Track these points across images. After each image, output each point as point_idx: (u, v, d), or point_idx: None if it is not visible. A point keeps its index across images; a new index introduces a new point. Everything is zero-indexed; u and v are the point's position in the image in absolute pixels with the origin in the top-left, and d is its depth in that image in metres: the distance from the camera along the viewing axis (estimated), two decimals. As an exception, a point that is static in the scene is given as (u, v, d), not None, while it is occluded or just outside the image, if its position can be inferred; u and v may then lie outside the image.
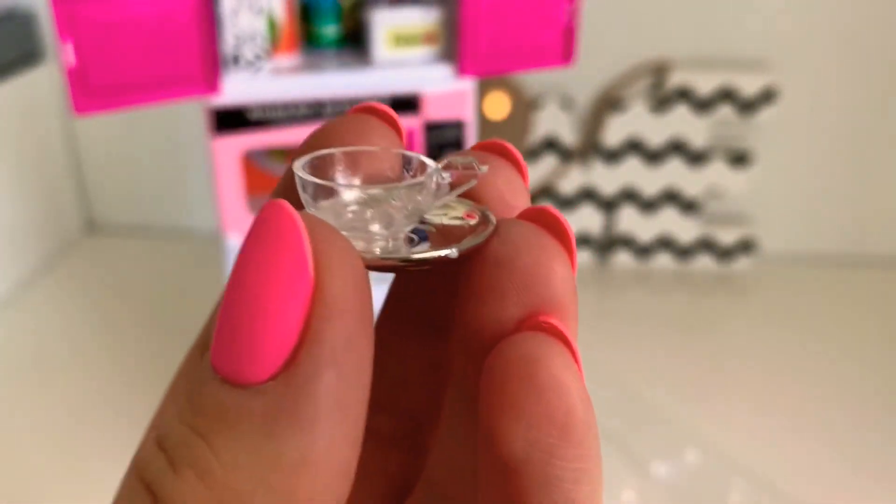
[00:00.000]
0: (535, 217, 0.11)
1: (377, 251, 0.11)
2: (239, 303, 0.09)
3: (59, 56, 0.39)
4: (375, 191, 0.11)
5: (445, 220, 0.12)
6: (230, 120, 0.43)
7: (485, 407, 0.10)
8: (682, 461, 0.50)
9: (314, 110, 0.44)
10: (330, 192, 0.11)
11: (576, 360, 0.10)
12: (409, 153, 0.12)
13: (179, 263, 0.80)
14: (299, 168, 0.11)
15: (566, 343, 0.10)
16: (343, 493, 0.09)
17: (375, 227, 0.11)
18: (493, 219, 0.11)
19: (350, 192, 0.11)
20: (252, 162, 0.49)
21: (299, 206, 0.11)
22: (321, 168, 0.12)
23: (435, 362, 0.13)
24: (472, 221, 0.12)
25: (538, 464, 0.09)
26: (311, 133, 0.13)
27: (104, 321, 0.72)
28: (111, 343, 0.69)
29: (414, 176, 0.12)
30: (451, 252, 0.10)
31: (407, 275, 0.13)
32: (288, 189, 0.12)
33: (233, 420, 0.09)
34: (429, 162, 0.12)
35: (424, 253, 0.11)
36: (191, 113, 0.72)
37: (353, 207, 0.11)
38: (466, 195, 0.12)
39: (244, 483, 0.08)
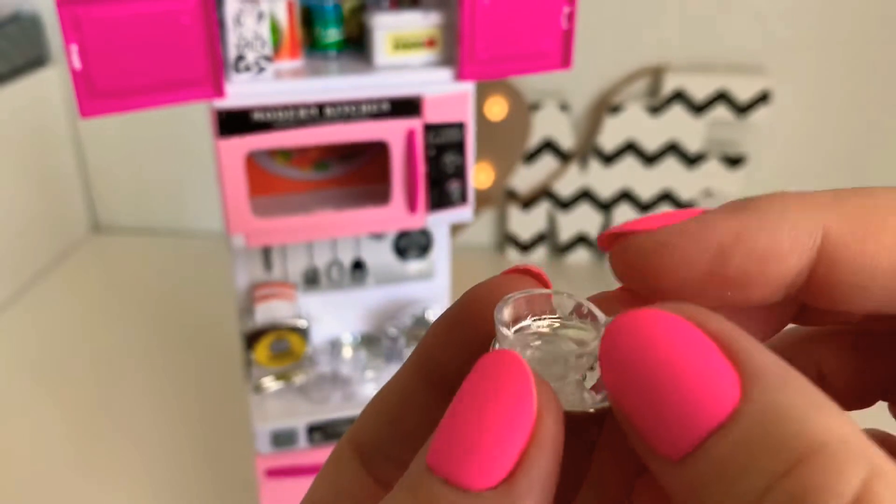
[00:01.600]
0: None
1: (565, 405, 0.13)
2: (470, 424, 0.11)
3: (65, 59, 0.40)
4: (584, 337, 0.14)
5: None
6: (235, 122, 0.44)
7: None
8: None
9: (316, 113, 0.45)
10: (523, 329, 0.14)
11: None
12: (580, 300, 0.14)
13: (184, 264, 0.80)
14: (503, 310, 0.14)
15: None
16: None
17: (555, 371, 0.13)
18: None
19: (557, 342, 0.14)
20: (256, 163, 0.50)
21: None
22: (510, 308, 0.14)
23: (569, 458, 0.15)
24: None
25: None
26: (476, 288, 0.15)
27: (110, 320, 0.72)
28: (116, 341, 0.69)
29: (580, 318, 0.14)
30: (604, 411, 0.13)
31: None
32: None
33: None
34: (598, 313, 0.14)
35: (599, 405, 0.13)
36: (195, 116, 0.73)
37: (537, 343, 0.14)
38: None
39: None
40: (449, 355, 0.15)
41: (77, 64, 0.40)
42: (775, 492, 0.10)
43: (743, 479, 0.10)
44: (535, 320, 0.14)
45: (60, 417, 0.61)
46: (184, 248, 0.83)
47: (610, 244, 0.14)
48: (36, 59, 0.75)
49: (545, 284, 0.15)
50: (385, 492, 0.15)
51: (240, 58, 0.44)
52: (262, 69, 0.45)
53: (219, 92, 0.43)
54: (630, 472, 0.14)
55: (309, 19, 0.48)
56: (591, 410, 0.13)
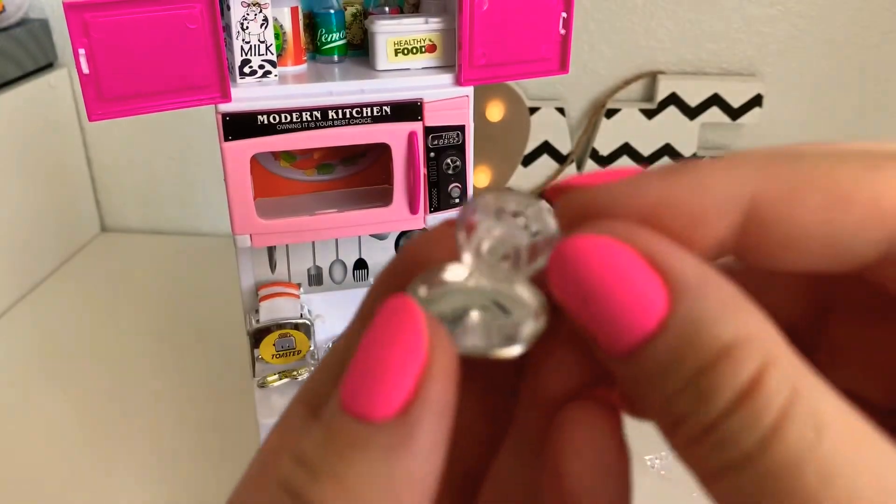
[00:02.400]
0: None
1: (468, 344, 0.14)
2: (372, 363, 0.13)
3: (72, 62, 0.40)
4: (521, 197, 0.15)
5: (517, 307, 0.15)
6: (240, 125, 0.45)
7: (554, 449, 0.14)
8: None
9: (320, 117, 0.46)
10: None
11: (619, 420, 0.14)
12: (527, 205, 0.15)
13: (190, 265, 0.81)
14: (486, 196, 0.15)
15: (613, 408, 0.14)
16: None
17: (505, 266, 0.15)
18: (545, 308, 0.15)
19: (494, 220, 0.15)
20: (261, 166, 0.51)
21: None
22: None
23: (486, 411, 0.16)
24: (534, 304, 0.15)
25: (589, 493, 0.14)
26: (413, 240, 0.16)
27: (117, 318, 0.73)
28: (124, 338, 0.70)
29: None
30: (513, 350, 0.14)
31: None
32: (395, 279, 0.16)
33: (361, 445, 0.12)
34: (550, 222, 0.15)
35: (497, 350, 0.14)
36: (201, 119, 0.74)
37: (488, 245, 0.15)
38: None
39: (369, 491, 0.12)
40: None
41: (85, 68, 0.40)
42: (688, 391, 0.12)
43: (667, 380, 0.12)
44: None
45: (69, 414, 0.62)
46: (190, 248, 0.84)
47: (555, 195, 0.15)
48: (44, 62, 0.76)
49: None
50: None
51: (245, 63, 0.45)
52: (266, 74, 0.46)
53: (226, 96, 0.44)
54: (548, 413, 0.15)
55: (313, 25, 0.49)
56: (492, 354, 0.14)
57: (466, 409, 0.15)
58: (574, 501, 0.14)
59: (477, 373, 0.16)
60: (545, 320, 0.14)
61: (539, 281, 0.15)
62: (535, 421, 0.15)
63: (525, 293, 0.15)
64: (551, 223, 0.15)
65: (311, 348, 0.52)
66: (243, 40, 0.45)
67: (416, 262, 0.16)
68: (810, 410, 0.11)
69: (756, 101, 0.76)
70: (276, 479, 0.13)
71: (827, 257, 0.13)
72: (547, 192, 0.16)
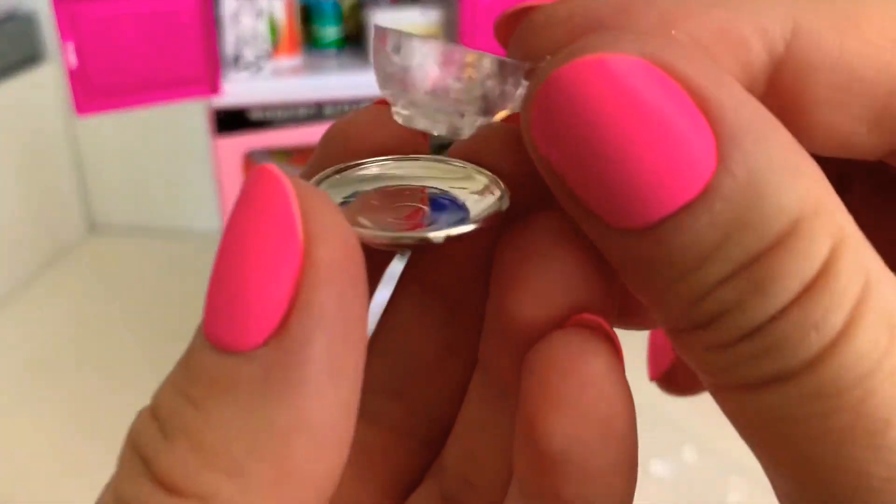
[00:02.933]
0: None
1: (377, 231, 0.10)
2: (228, 270, 0.09)
3: (60, 57, 0.39)
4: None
5: (465, 194, 0.11)
6: (231, 121, 0.44)
7: (526, 400, 0.10)
8: (681, 460, 0.50)
9: (315, 111, 0.45)
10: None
11: (619, 357, 0.10)
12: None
13: (180, 264, 0.80)
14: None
15: (611, 340, 0.10)
16: (338, 461, 0.09)
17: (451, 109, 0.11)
18: (506, 197, 0.11)
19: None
20: (254, 162, 0.50)
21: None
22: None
23: (450, 345, 0.12)
24: (491, 197, 0.11)
25: (578, 459, 0.10)
26: (331, 129, 0.12)
27: (105, 321, 0.72)
28: (112, 343, 0.69)
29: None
30: (436, 236, 0.10)
31: (416, 252, 0.12)
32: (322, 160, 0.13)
33: (224, 386, 0.09)
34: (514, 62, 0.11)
35: (411, 233, 0.10)
36: (192, 114, 0.73)
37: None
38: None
39: (236, 449, 0.08)
40: None
41: (73, 62, 0.39)
42: (738, 278, 0.08)
43: (706, 266, 0.09)
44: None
45: (56, 421, 0.61)
46: (182, 248, 0.83)
47: (508, 29, 0.11)
48: (31, 58, 0.75)
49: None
50: (375, 428, 0.13)
51: (238, 56, 0.44)
52: (260, 67, 0.44)
53: (215, 90, 0.42)
54: (520, 349, 0.11)
55: (307, 16, 0.48)
56: (409, 240, 0.10)
57: (425, 341, 0.12)
58: (555, 469, 0.10)
59: (431, 289, 0.12)
60: (500, 198, 0.10)
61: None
62: (504, 357, 0.11)
63: (473, 171, 0.11)
64: (513, 65, 0.10)
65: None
66: (236, 32, 0.44)
67: (335, 154, 0.12)
68: (883, 307, 0.08)
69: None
70: (129, 441, 0.09)
71: (878, 123, 0.10)
72: (496, 31, 0.11)
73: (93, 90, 0.41)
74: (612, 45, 0.09)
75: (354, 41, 0.50)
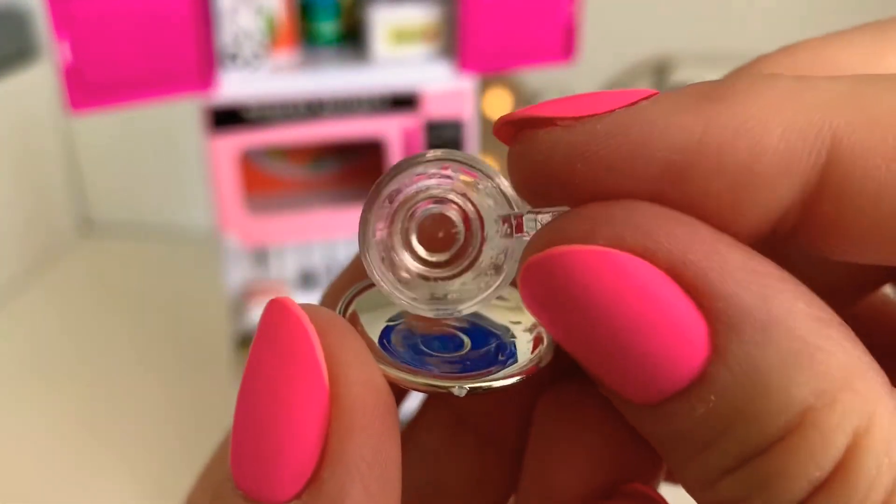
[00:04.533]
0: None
1: (407, 376, 0.09)
2: (252, 418, 0.08)
3: (54, 54, 0.39)
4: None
5: (516, 330, 0.11)
6: (227, 118, 0.43)
7: None
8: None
9: (313, 109, 0.44)
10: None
11: None
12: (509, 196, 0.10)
13: (175, 263, 0.79)
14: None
15: None
16: None
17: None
18: (551, 346, 0.10)
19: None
20: (250, 161, 0.49)
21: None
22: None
23: (480, 479, 0.12)
24: (537, 349, 0.10)
25: None
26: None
27: (99, 320, 0.72)
28: (106, 342, 0.69)
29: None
30: (458, 391, 0.09)
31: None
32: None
33: None
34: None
35: (443, 382, 0.10)
36: (188, 110, 0.72)
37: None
38: None
39: None
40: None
41: (67, 59, 0.39)
42: (744, 471, 0.08)
43: (709, 454, 0.08)
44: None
45: (48, 425, 0.60)
46: (177, 247, 0.82)
47: (512, 134, 0.10)
48: (24, 55, 0.74)
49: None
50: None
51: (234, 52, 0.43)
52: (257, 64, 0.44)
53: (209, 86, 0.42)
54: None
55: (305, 11, 0.47)
56: (447, 389, 0.09)
57: (455, 472, 0.11)
58: None
59: (465, 417, 0.11)
60: (545, 346, 0.10)
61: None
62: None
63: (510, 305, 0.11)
64: (516, 201, 0.10)
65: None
66: (232, 28, 0.43)
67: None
68: None
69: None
70: None
71: None
72: (496, 129, 0.10)
73: (87, 87, 0.40)
74: (589, 234, 0.08)
75: (352, 37, 0.49)
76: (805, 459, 0.07)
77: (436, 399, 0.12)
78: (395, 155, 0.46)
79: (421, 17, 0.45)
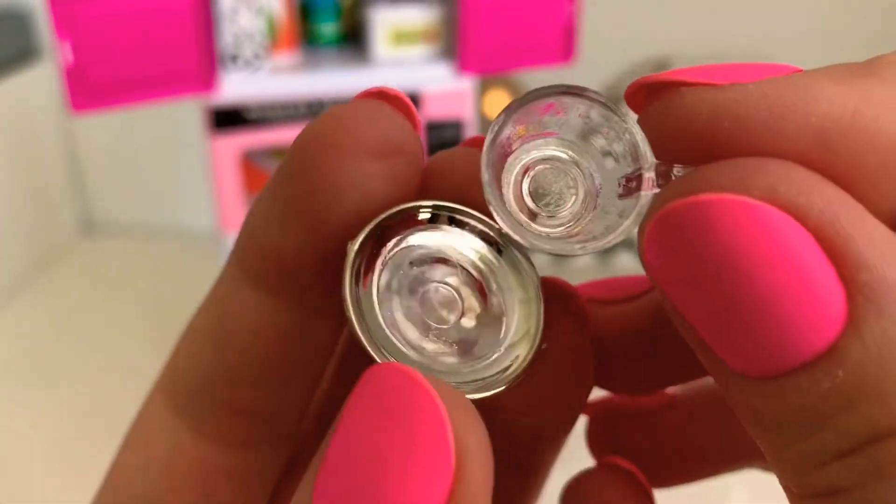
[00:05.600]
0: None
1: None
2: (358, 483, 0.08)
3: (56, 55, 0.39)
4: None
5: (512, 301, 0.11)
6: (228, 119, 0.43)
7: None
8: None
9: (313, 109, 0.44)
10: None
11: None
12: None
13: (176, 263, 0.79)
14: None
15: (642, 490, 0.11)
16: None
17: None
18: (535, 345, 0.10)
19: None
20: (251, 161, 0.49)
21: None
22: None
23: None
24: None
25: None
26: (317, 120, 0.10)
27: (99, 322, 0.72)
28: (106, 342, 0.69)
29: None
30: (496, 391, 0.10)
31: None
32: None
33: None
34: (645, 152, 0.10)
35: (487, 391, 0.10)
36: (189, 111, 0.72)
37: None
38: None
39: None
40: (277, 231, 0.10)
41: (68, 60, 0.39)
42: (859, 456, 0.07)
43: (824, 433, 0.08)
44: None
45: (48, 425, 0.60)
46: (178, 247, 0.82)
47: (645, 97, 0.09)
48: (26, 56, 0.74)
49: (408, 110, 0.11)
50: (218, 447, 0.12)
51: (235, 53, 0.43)
52: (258, 65, 0.44)
53: (210, 87, 0.42)
54: None
55: (306, 13, 0.48)
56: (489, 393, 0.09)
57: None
58: None
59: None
60: (531, 349, 0.10)
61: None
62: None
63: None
64: (647, 154, 0.09)
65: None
66: (233, 29, 0.43)
67: (334, 167, 0.10)
68: None
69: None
70: None
71: None
72: (628, 97, 0.10)
73: (88, 88, 0.40)
74: (739, 184, 0.08)
75: (353, 38, 0.49)
76: None
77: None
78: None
79: (421, 18, 0.45)
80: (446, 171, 0.11)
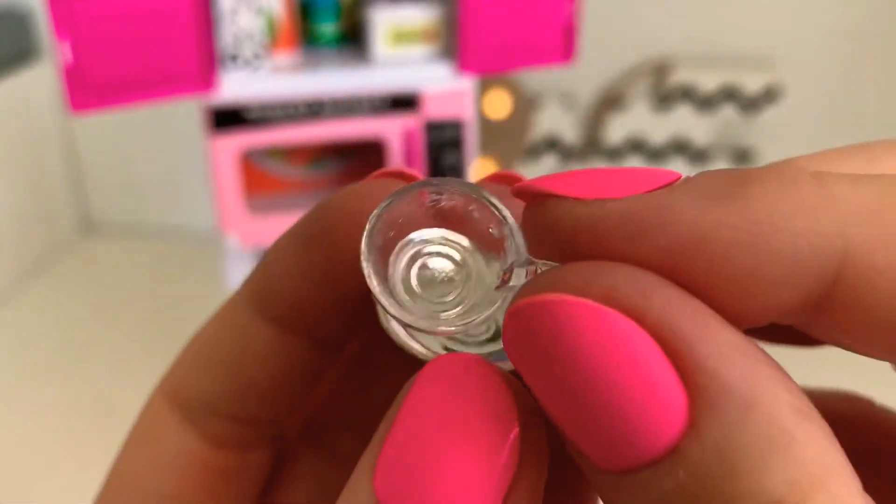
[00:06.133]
0: None
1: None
2: (451, 461, 0.09)
3: (55, 54, 0.39)
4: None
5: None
6: (228, 119, 0.43)
7: None
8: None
9: (313, 109, 0.44)
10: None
11: None
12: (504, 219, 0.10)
13: (176, 263, 0.79)
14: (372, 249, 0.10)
15: None
16: None
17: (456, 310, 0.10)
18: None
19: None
20: (250, 161, 0.49)
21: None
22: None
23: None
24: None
25: None
26: (341, 192, 0.12)
27: (99, 322, 0.72)
28: (107, 342, 0.69)
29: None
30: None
31: None
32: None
33: None
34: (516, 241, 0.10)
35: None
36: (188, 110, 0.72)
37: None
38: None
39: None
40: (298, 283, 0.12)
41: (68, 60, 0.39)
42: None
43: None
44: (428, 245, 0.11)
45: (49, 425, 0.60)
46: (177, 247, 0.82)
47: (526, 199, 0.10)
48: (26, 55, 0.74)
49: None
50: (220, 449, 0.13)
51: (235, 53, 0.43)
52: (257, 64, 0.44)
53: (210, 87, 0.42)
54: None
55: (305, 12, 0.48)
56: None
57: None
58: None
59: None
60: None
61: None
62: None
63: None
64: (521, 249, 0.10)
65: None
66: (233, 29, 0.43)
67: (346, 222, 0.11)
68: None
69: (774, 90, 0.74)
70: None
71: None
72: (513, 190, 0.10)
73: (88, 88, 0.40)
74: (583, 285, 0.08)
75: (352, 38, 0.49)
76: None
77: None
78: (395, 155, 0.46)
79: (421, 17, 0.45)
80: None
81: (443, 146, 0.47)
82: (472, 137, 0.47)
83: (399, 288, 0.10)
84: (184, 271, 0.78)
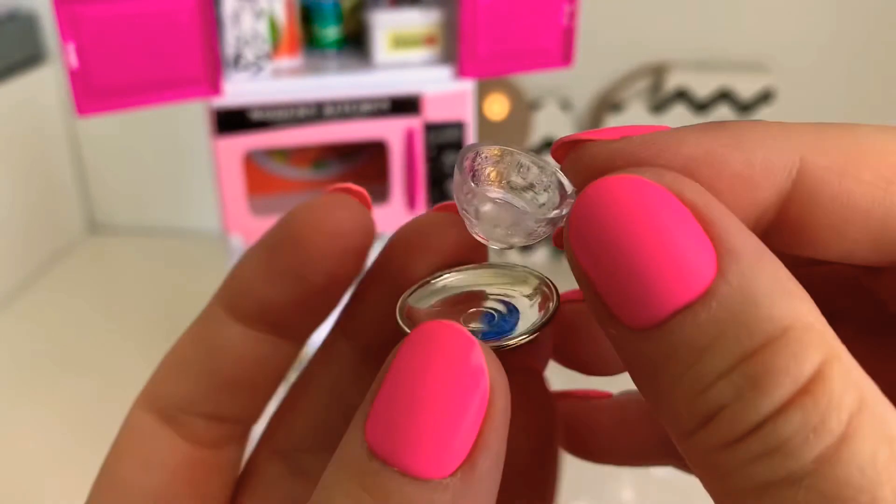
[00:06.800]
0: None
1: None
2: (430, 404, 0.10)
3: (61, 57, 0.39)
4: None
5: (519, 297, 0.14)
6: (232, 121, 0.43)
7: None
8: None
9: (315, 111, 0.45)
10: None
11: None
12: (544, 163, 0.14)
13: (181, 264, 0.80)
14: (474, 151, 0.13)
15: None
16: None
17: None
18: (554, 299, 0.13)
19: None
20: (254, 162, 0.50)
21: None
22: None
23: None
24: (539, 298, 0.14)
25: None
26: (301, 206, 0.14)
27: (106, 322, 0.72)
28: (112, 342, 0.69)
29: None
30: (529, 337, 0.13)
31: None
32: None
33: None
34: (565, 181, 0.13)
35: (520, 338, 0.13)
36: (193, 113, 0.73)
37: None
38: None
39: None
40: (264, 285, 0.14)
41: (74, 62, 0.39)
42: (735, 373, 0.10)
43: (704, 360, 0.10)
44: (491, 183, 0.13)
45: (54, 424, 0.60)
46: (183, 248, 0.83)
47: (563, 153, 0.13)
48: (32, 58, 0.74)
49: (364, 198, 0.15)
50: (199, 447, 0.15)
51: (238, 56, 0.44)
52: (260, 67, 0.44)
53: (216, 90, 0.42)
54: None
55: (308, 16, 0.48)
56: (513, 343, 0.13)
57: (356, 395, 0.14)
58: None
59: (370, 355, 0.15)
60: (550, 303, 0.13)
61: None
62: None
63: (524, 273, 0.14)
64: (567, 187, 0.13)
65: (306, 351, 0.51)
66: (236, 33, 0.44)
67: (314, 234, 0.14)
68: (881, 422, 0.09)
69: (768, 95, 0.74)
70: None
71: (875, 244, 0.11)
72: (553, 152, 0.13)
73: (93, 91, 0.41)
74: (635, 172, 0.11)
75: (354, 41, 0.50)
76: (789, 362, 0.09)
77: (334, 338, 0.16)
78: (396, 156, 0.46)
79: (421, 22, 0.46)
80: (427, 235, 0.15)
81: (443, 147, 0.47)
82: (471, 139, 0.48)
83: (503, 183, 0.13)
84: (189, 271, 0.78)
